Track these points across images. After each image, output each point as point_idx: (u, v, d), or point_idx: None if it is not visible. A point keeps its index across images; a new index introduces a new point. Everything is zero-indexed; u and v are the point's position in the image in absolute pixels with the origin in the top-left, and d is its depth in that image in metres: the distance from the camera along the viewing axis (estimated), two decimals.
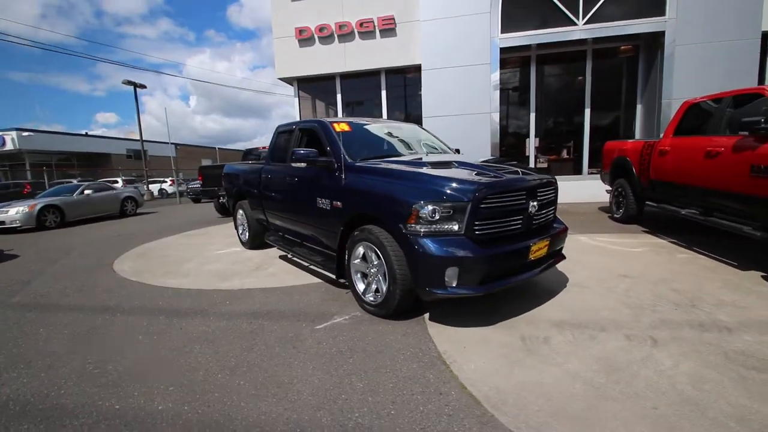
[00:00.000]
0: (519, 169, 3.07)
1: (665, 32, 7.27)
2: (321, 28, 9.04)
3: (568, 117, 8.82)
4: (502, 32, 7.89)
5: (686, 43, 7.15)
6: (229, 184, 5.85)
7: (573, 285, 3.44)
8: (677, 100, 7.34)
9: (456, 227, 2.49)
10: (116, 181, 18.91)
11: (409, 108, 9.60)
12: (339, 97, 9.65)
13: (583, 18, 7.58)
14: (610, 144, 6.60)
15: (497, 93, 8.06)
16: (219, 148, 49.56)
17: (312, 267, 4.15)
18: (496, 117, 8.15)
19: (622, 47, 8.21)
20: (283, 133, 4.49)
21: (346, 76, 9.54)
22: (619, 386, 1.94)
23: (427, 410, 1.81)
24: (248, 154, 10.96)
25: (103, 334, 2.85)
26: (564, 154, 8.99)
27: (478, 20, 7.89)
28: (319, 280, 3.88)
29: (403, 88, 9.56)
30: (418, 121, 9.28)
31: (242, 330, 2.81)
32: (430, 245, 2.47)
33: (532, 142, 8.78)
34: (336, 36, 9.07)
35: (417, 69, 9.07)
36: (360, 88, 9.79)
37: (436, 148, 4.17)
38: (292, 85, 10.08)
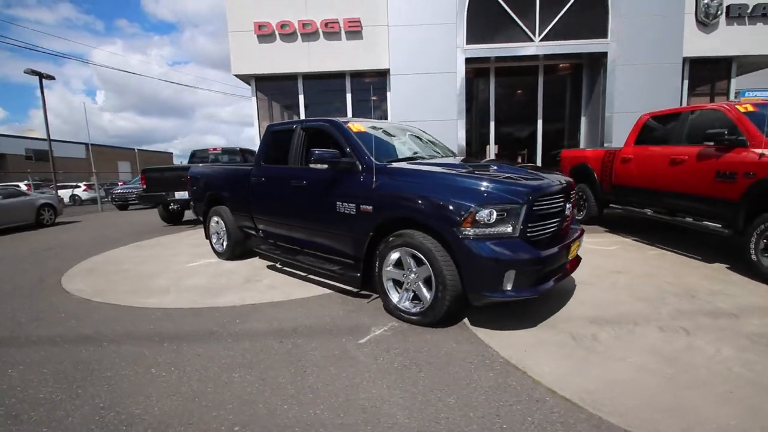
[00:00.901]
0: (542, 173, 3.18)
1: (607, 53, 8.16)
2: (283, 25, 8.62)
3: (523, 126, 9.45)
4: (467, 43, 8.22)
5: (624, 64, 8.10)
6: (199, 188, 5.27)
7: (579, 282, 3.64)
8: (618, 113, 8.27)
9: (510, 229, 2.48)
10: (18, 186, 16.06)
11: (374, 113, 9.54)
12: (301, 98, 9.26)
13: (539, 35, 8.20)
14: (567, 152, 7.19)
15: (463, 101, 8.36)
16: (139, 150, 44.84)
17: (318, 276, 3.89)
18: (462, 124, 8.45)
19: (570, 64, 9.03)
20: (278, 132, 4.15)
21: (309, 77, 9.19)
22: (686, 375, 2.07)
23: (536, 420, 1.75)
24: (195, 156, 10.09)
25: (98, 370, 2.34)
26: (519, 160, 9.61)
27: (445, 30, 8.12)
28: (329, 291, 3.64)
29: (369, 92, 9.49)
30: None
31: (277, 351, 2.50)
32: (489, 248, 2.43)
33: (492, 149, 9.25)
34: (299, 34, 8.71)
35: (383, 74, 9.08)
36: (323, 90, 9.51)
37: (439, 152, 4.17)
38: (249, 83, 9.45)
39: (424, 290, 2.75)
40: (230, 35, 8.74)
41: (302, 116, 9.31)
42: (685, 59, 8.25)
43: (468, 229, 2.47)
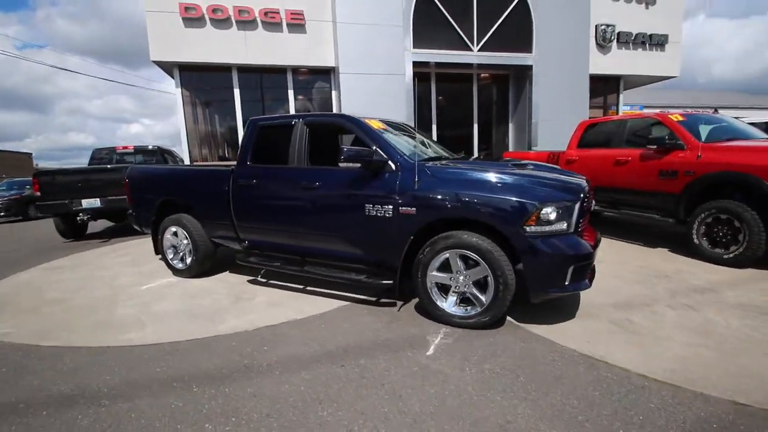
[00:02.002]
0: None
1: (532, 66, 9.11)
2: (215, 9, 7.67)
3: (461, 129, 10.02)
4: (413, 47, 8.37)
5: (545, 77, 9.14)
6: (146, 193, 4.38)
7: None
8: (542, 121, 9.30)
9: (565, 226, 2.57)
10: None
11: (323, 111, 9.10)
12: (237, 92, 8.37)
13: (477, 45, 8.77)
14: (509, 154, 7.85)
15: (411, 104, 8.49)
16: None
17: (320, 288, 3.54)
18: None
19: (500, 74, 9.85)
20: (269, 128, 3.66)
21: (245, 69, 8.35)
22: (729, 345, 2.39)
23: (666, 410, 1.82)
24: (95, 157, 8.51)
25: None
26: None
27: (393, 32, 8.15)
28: (344, 302, 3.34)
29: (314, 90, 9.02)
30: None
31: (348, 377, 2.19)
32: (555, 245, 2.48)
33: None
34: (234, 21, 7.86)
35: (327, 71, 8.73)
36: (262, 86, 8.73)
37: (441, 151, 4.13)
38: (171, 72, 8.19)
39: (477, 292, 2.69)
40: (148, 15, 7.46)
41: (238, 112, 8.42)
42: (592, 75, 9.67)
43: (532, 227, 2.49)
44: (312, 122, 3.42)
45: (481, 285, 2.69)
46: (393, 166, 2.93)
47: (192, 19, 7.63)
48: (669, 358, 2.25)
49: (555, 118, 9.29)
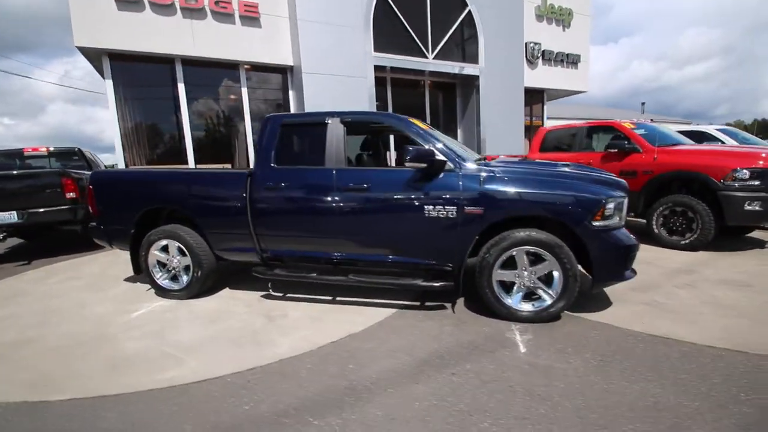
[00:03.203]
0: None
1: (479, 76, 9.79)
2: None
3: None
4: (374, 51, 8.37)
5: (490, 87, 9.89)
6: (124, 203, 3.66)
7: None
8: (490, 127, 10.03)
9: (617, 220, 2.82)
10: None
11: (279, 111, 8.52)
12: (181, 87, 7.41)
13: (432, 53, 9.11)
14: (489, 157, 8.31)
15: (374, 107, 8.47)
16: None
17: (349, 296, 3.36)
18: None
19: (449, 81, 10.36)
20: (296, 126, 3.34)
21: (191, 62, 7.45)
22: (750, 313, 2.85)
23: (740, 373, 2.11)
24: (17, 157, 6.96)
25: None
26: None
27: (356, 34, 8.04)
28: (389, 309, 3.20)
29: (271, 89, 8.42)
30: None
31: (466, 384, 2.11)
32: (618, 237, 2.72)
33: (392, 156, 9.68)
34: (179, 8, 6.97)
35: (284, 70, 8.25)
36: (211, 82, 7.87)
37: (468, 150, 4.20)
38: (99, 61, 6.92)
39: (544, 286, 2.81)
40: None
41: (184, 108, 7.46)
42: (527, 89, 10.73)
43: (598, 221, 2.69)
44: (352, 121, 3.20)
45: (546, 280, 2.82)
46: (452, 166, 2.91)
47: (127, 1, 6.57)
48: (716, 329, 2.62)
49: (498, 124, 10.11)
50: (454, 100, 10.56)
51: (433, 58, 9.15)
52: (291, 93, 8.38)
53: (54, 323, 3.21)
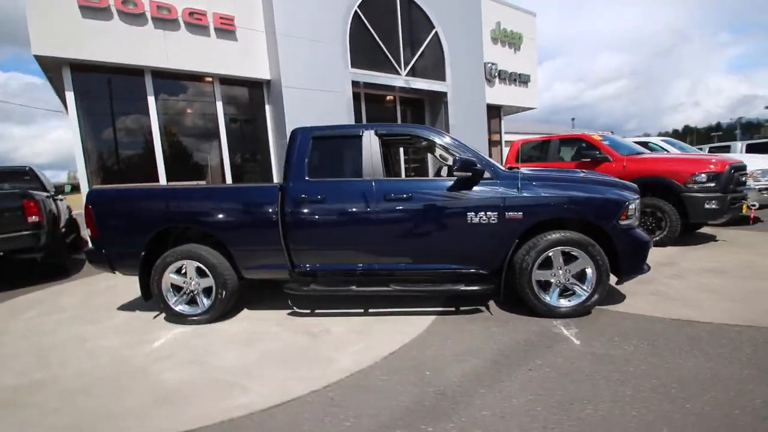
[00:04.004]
0: None
1: (447, 93, 10.30)
2: (125, 1, 6.28)
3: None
4: (351, 67, 8.50)
5: (455, 103, 10.44)
6: (133, 224, 3.37)
7: None
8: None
9: (633, 219, 3.16)
10: None
11: (255, 127, 8.27)
12: (151, 100, 6.93)
13: (404, 70, 9.45)
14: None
15: (352, 120, 8.54)
16: None
17: (380, 308, 3.38)
18: None
19: (417, 98, 10.75)
20: (328, 139, 3.32)
21: (163, 74, 7.02)
22: (742, 296, 3.30)
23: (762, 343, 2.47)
24: None
25: None
26: None
27: (333, 49, 8.12)
28: (429, 317, 3.26)
29: (247, 103, 8.14)
30: (264, 142, 8.24)
31: (553, 380, 2.22)
32: (641, 234, 3.05)
33: None
34: (151, 18, 6.58)
35: (260, 84, 8.07)
36: (184, 95, 7.45)
37: None
38: (54, 72, 6.27)
39: (578, 282, 3.05)
40: None
41: (154, 122, 6.97)
42: (489, 105, 11.45)
43: (624, 221, 3.00)
44: (386, 133, 3.27)
45: (579, 277, 3.06)
46: (488, 174, 3.08)
47: (93, 8, 6.08)
48: (719, 310, 3.01)
49: (466, 138, 10.49)
50: (423, 115, 10.96)
51: (406, 75, 9.49)
52: (267, 107, 8.19)
53: (59, 362, 2.83)
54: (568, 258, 3.04)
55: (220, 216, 3.28)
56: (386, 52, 9.09)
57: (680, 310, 3.07)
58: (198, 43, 7.11)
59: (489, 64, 11.92)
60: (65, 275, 5.74)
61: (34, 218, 5.02)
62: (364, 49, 8.75)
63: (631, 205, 3.04)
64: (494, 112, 13.19)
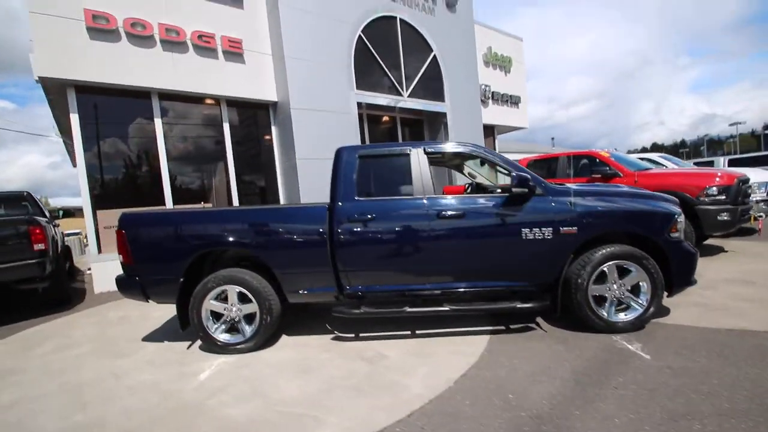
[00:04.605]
0: None
1: (446, 113, 10.51)
2: (134, 24, 6.21)
3: None
4: (357, 89, 8.59)
5: (454, 123, 10.66)
6: (172, 248, 3.21)
7: None
8: None
9: (681, 232, 3.22)
10: None
11: (261, 148, 8.16)
12: (158, 122, 6.77)
13: (407, 91, 9.61)
14: (449, 188, 8.75)
15: (359, 141, 8.56)
16: None
17: (431, 328, 3.31)
18: None
19: (416, 118, 10.92)
20: (375, 158, 3.29)
21: (170, 97, 6.89)
22: None
23: None
24: None
25: None
26: None
27: (340, 72, 8.20)
28: (482, 336, 3.19)
29: (253, 125, 8.06)
30: (270, 164, 8.15)
31: (644, 396, 2.18)
32: (687, 246, 3.10)
33: None
34: (159, 41, 6.50)
35: (266, 106, 8.04)
36: (191, 118, 7.32)
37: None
38: (58, 95, 6.07)
39: (633, 296, 3.05)
40: (32, 17, 5.47)
41: (161, 144, 6.79)
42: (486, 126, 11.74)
43: (674, 233, 3.05)
44: (434, 151, 3.26)
45: (633, 290, 3.06)
46: (540, 190, 3.10)
47: (102, 30, 5.97)
48: (765, 319, 3.06)
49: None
50: (422, 134, 11.12)
51: (408, 96, 9.65)
52: (274, 128, 8.14)
53: (98, 401, 2.60)
54: (621, 272, 3.05)
55: (267, 238, 3.16)
56: (389, 74, 9.25)
57: (729, 320, 3.11)
58: (206, 66, 7.05)
59: (483, 86, 12.30)
60: (67, 306, 5.40)
61: (40, 246, 4.74)
62: (369, 72, 8.88)
63: (679, 218, 3.10)
64: (488, 131, 13.52)
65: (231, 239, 3.17)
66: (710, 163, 11.50)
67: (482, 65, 12.45)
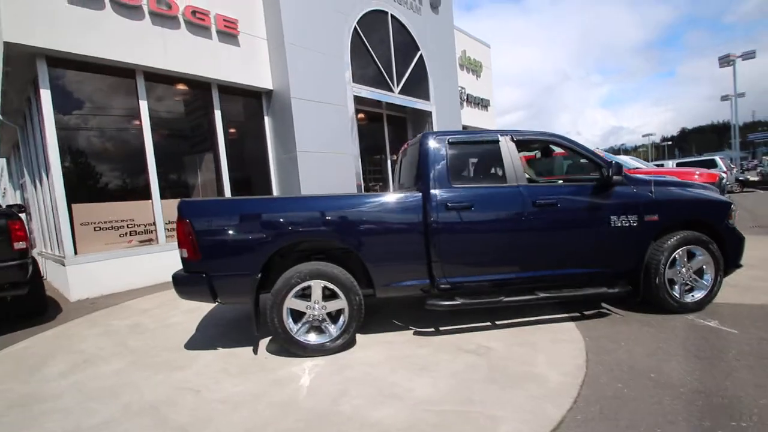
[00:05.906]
0: None
1: (431, 112, 10.64)
2: None
3: (376, 161, 10.44)
4: (353, 82, 8.34)
5: (439, 121, 10.83)
6: (247, 240, 2.82)
7: None
8: None
9: (734, 220, 3.55)
10: None
11: (254, 138, 7.54)
12: (144, 104, 5.95)
13: (397, 87, 9.54)
14: None
15: (356, 137, 8.32)
16: None
17: (526, 317, 3.32)
18: (358, 160, 8.36)
19: (400, 115, 10.90)
20: (466, 144, 3.19)
21: (157, 77, 6.10)
22: None
23: None
24: None
25: None
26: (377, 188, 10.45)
27: (338, 62, 7.90)
28: (566, 323, 3.25)
29: (244, 113, 7.41)
30: (262, 155, 7.59)
31: (758, 372, 2.35)
32: (739, 233, 3.42)
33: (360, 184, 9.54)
34: (148, 12, 5.73)
35: (260, 94, 7.48)
36: (178, 100, 6.53)
37: None
38: (22, 67, 5.04)
39: (698, 278, 3.31)
40: None
41: (147, 131, 5.97)
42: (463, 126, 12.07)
43: (731, 220, 3.36)
44: (521, 140, 3.25)
45: (698, 273, 3.32)
46: (622, 179, 3.23)
47: None
48: None
49: None
50: (405, 132, 11.13)
51: (399, 93, 9.60)
52: (267, 119, 7.59)
53: (199, 421, 2.18)
54: (688, 256, 3.29)
55: (359, 228, 2.91)
56: (381, 69, 9.12)
57: (766, 297, 3.49)
58: (198, 45, 6.38)
59: (460, 88, 12.66)
60: (43, 316, 4.54)
61: (20, 244, 3.93)
62: (363, 65, 8.68)
63: (733, 206, 3.42)
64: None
65: (319, 231, 2.87)
66: (660, 166, 13.10)
67: (458, 68, 12.81)
